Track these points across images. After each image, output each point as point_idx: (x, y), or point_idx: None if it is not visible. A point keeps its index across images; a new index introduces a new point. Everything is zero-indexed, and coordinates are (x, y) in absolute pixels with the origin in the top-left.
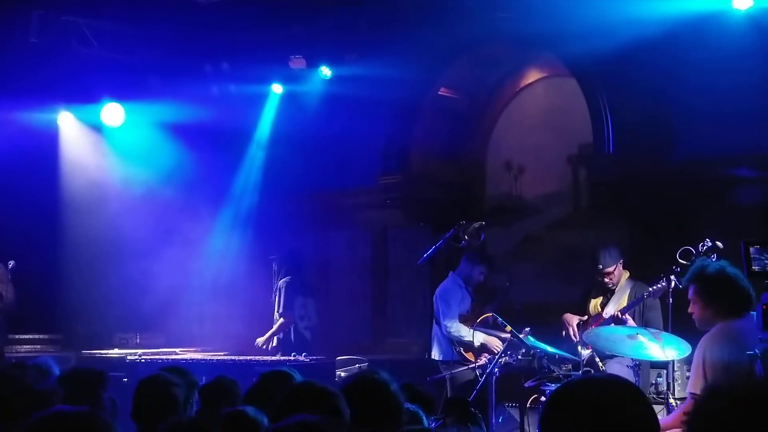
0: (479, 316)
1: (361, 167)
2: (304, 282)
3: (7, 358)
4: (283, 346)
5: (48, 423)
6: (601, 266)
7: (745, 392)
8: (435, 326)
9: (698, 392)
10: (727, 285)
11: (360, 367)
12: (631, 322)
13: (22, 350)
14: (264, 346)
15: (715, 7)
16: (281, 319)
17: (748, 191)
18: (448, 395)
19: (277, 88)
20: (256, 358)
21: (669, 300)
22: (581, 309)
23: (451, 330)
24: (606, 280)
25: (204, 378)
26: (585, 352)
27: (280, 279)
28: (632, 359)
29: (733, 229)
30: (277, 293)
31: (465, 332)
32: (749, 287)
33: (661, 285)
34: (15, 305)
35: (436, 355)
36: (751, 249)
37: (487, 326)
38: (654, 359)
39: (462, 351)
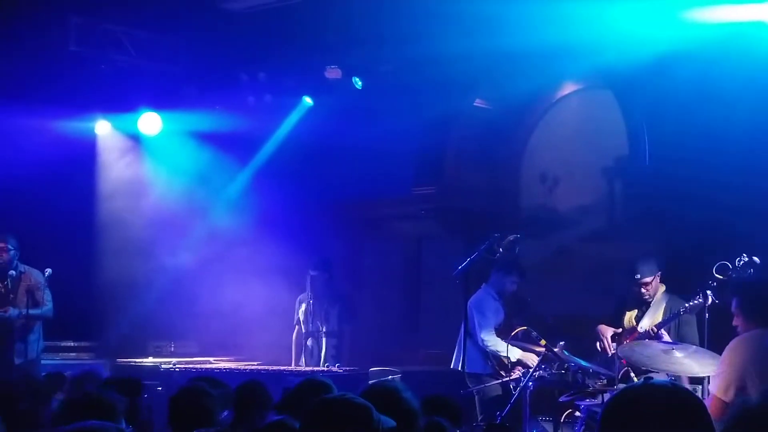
0: (510, 329)
1: (395, 178)
2: (334, 289)
3: (43, 365)
4: (316, 356)
5: None
6: (638, 276)
7: None
8: (467, 338)
9: (719, 394)
10: None
11: (393, 378)
12: (666, 337)
13: (58, 358)
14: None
15: (751, 20)
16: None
17: None
18: (477, 409)
19: (310, 98)
20: (289, 368)
21: (706, 315)
22: (615, 322)
23: (488, 344)
24: (643, 290)
25: None
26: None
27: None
28: (667, 374)
29: None
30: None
31: (502, 347)
32: None
33: (698, 301)
34: (52, 313)
35: (465, 367)
36: None
37: (522, 340)
38: (689, 374)
39: (496, 365)
